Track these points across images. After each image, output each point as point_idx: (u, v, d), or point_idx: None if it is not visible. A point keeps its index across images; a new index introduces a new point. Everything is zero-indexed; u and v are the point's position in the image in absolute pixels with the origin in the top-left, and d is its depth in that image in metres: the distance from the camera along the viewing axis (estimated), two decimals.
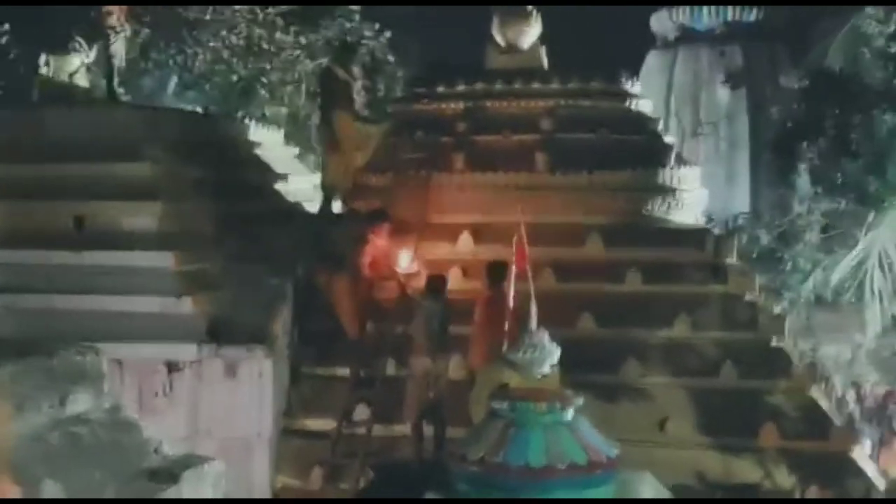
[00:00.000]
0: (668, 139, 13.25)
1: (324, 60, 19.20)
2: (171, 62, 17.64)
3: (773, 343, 10.60)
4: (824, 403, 10.70)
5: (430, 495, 6.04)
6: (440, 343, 9.52)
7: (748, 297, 10.93)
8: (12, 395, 4.56)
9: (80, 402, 5.31)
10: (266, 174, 12.18)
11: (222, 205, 10.76)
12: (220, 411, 9.48)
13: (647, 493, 6.32)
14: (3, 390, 4.62)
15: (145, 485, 5.32)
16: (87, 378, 5.41)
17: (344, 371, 10.24)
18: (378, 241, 10.42)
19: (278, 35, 18.58)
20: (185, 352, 9.46)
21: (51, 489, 4.64)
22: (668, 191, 11.63)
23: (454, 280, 10.70)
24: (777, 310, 12.38)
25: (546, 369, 7.76)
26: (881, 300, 14.87)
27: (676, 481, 8.20)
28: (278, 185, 12.29)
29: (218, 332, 9.60)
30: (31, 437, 4.73)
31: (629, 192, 11.42)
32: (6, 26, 16.65)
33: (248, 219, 10.93)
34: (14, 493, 1.67)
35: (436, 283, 9.80)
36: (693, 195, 12.14)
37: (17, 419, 4.51)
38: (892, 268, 14.88)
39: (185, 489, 5.43)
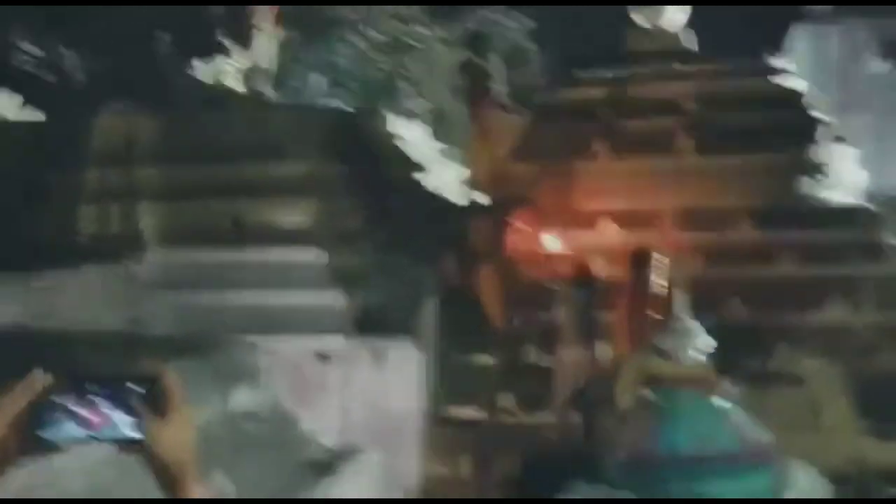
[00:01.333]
0: (821, 115, 12.80)
1: (465, 53, 19.36)
2: (316, 62, 18.08)
3: None
4: None
5: (577, 485, 6.05)
6: (588, 331, 9.50)
7: None
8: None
9: (243, 398, 5.53)
10: (411, 168, 12.36)
11: (369, 200, 10.99)
12: (369, 401, 9.69)
13: (803, 482, 6.16)
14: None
15: (306, 476, 5.50)
16: (247, 374, 5.64)
17: (489, 360, 10.32)
18: (521, 226, 10.47)
19: (420, 29, 18.78)
20: (335, 343, 9.70)
21: (220, 482, 4.85)
22: (822, 169, 11.26)
23: (599, 267, 10.64)
24: None
25: (695, 356, 7.67)
26: None
27: (834, 468, 7.96)
28: (423, 179, 12.45)
29: (367, 324, 9.81)
30: (201, 433, 4.95)
31: (781, 172, 11.10)
32: (165, 35, 17.33)
33: (395, 213, 11.12)
34: (199, 492, 1.75)
35: (582, 271, 9.77)
36: (849, 172, 11.71)
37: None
38: None
39: (344, 480, 5.59)
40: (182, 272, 10.10)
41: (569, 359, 9.43)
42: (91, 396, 1.86)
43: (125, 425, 1.87)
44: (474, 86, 12.30)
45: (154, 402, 1.88)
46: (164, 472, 1.87)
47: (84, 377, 1.88)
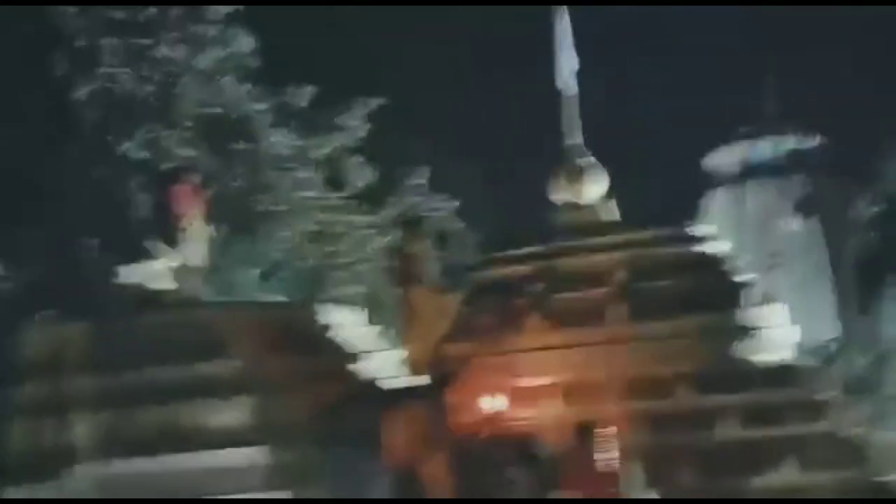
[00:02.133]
0: (746, 277, 13.09)
1: (394, 236, 19.64)
2: (248, 256, 18.12)
3: (883, 478, 10.14)
4: None
5: None
6: None
7: (852, 431, 10.54)
8: None
9: None
10: (349, 356, 12.24)
11: (309, 392, 10.80)
12: None
13: None
14: None
15: None
16: None
17: None
18: (458, 398, 10.40)
19: (348, 217, 19.04)
20: None
21: None
22: (753, 329, 11.42)
23: (544, 444, 10.53)
24: (882, 441, 11.89)
25: None
26: None
27: None
28: (362, 366, 12.32)
29: None
30: None
31: (714, 336, 11.24)
32: (92, 241, 17.33)
33: (336, 403, 10.93)
34: None
35: (527, 446, 9.64)
36: (780, 330, 11.90)
37: None
38: None
39: None
40: (118, 484, 9.73)
41: None
42: None
43: None
44: (405, 271, 12.37)
45: None
46: None
47: None
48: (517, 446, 9.76)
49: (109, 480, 9.81)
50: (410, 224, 13.58)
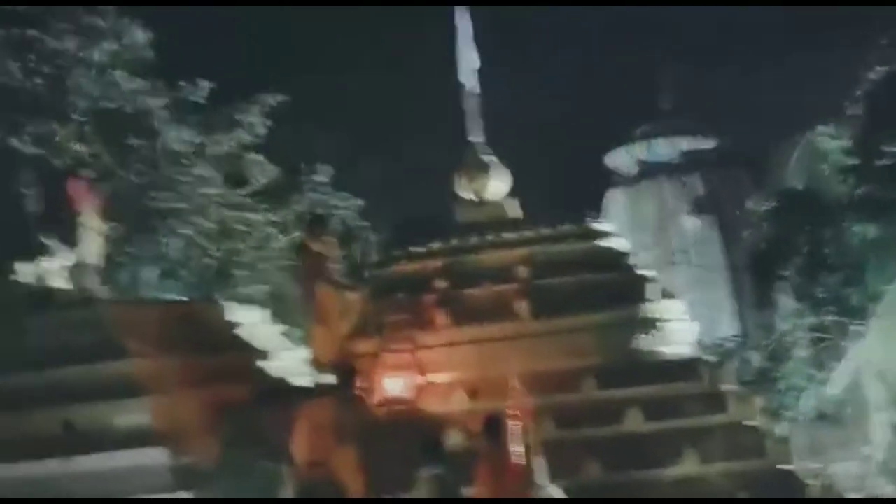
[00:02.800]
0: (646, 272, 13.32)
1: (297, 234, 19.45)
2: (146, 254, 17.75)
3: (783, 467, 10.42)
4: None
5: None
6: None
7: (751, 422, 10.80)
8: None
9: None
10: (252, 355, 12.07)
11: (212, 391, 10.63)
12: None
13: None
14: None
15: None
16: None
17: None
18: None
19: (249, 215, 18.79)
20: None
21: None
22: (654, 324, 11.61)
23: (453, 440, 10.55)
24: (780, 432, 12.23)
25: None
26: (882, 410, 14.76)
27: None
28: (266, 365, 12.17)
29: None
30: None
31: (616, 331, 11.39)
32: None
33: (239, 403, 10.76)
34: None
35: (432, 442, 9.60)
36: (680, 325, 12.12)
37: None
38: (885, 376, 14.82)
39: None
40: (14, 488, 9.41)
41: None
42: None
43: None
44: (308, 268, 12.24)
45: None
46: None
47: None
48: (424, 440, 9.71)
49: (6, 483, 9.48)
50: (314, 221, 13.41)
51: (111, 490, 9.23)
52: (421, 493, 9.33)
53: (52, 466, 9.56)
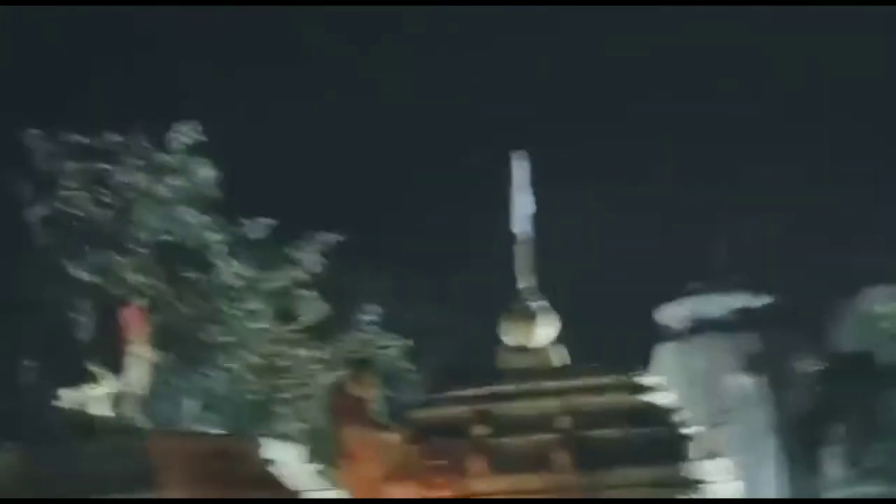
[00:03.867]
0: (691, 430, 13.07)
1: (342, 373, 19.46)
2: (190, 386, 17.87)
3: None
4: None
5: None
6: None
7: None
8: None
9: None
10: (282, 492, 11.94)
11: None
12: None
13: None
14: None
15: None
16: None
17: None
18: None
19: (296, 351, 18.89)
20: None
21: None
22: (696, 485, 11.34)
23: None
24: None
25: None
26: None
27: None
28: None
29: None
30: None
31: (656, 489, 11.14)
32: (30, 364, 17.02)
33: None
34: None
35: None
36: (724, 487, 11.82)
37: None
38: None
39: None
40: None
41: None
42: None
43: None
44: (345, 409, 12.17)
45: None
46: None
47: None
48: None
49: None
50: (360, 364, 13.37)
51: None
52: None
53: None
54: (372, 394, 12.24)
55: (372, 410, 12.20)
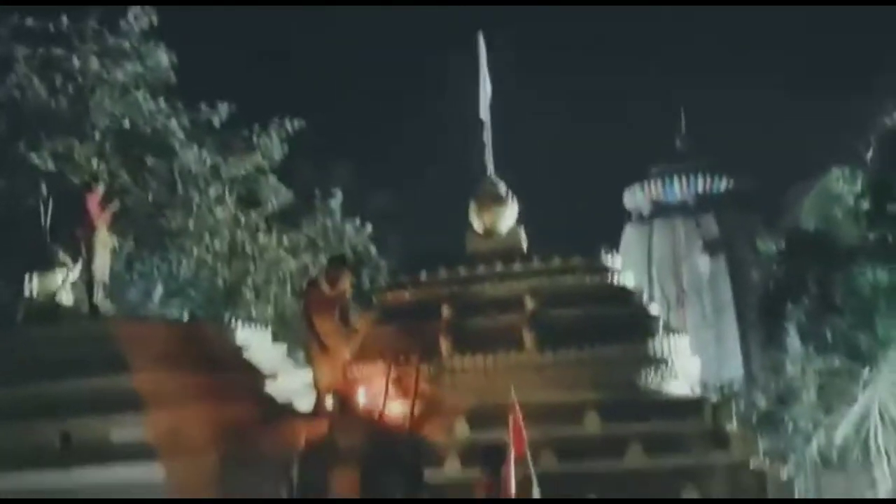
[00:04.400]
0: (654, 310, 13.26)
1: (306, 259, 19.49)
2: (155, 272, 17.80)
3: None
4: None
5: None
6: None
7: (753, 463, 10.69)
8: None
9: None
10: (255, 375, 12.06)
11: (213, 410, 10.61)
12: None
13: None
14: None
15: None
16: None
17: None
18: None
19: (261, 237, 18.84)
20: None
21: None
22: (659, 361, 11.54)
23: (452, 468, 10.50)
24: (784, 475, 12.09)
25: None
26: (888, 457, 14.59)
27: None
28: (268, 385, 12.15)
29: None
30: None
31: (621, 366, 11.32)
32: None
33: (240, 422, 10.75)
34: None
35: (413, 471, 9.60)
36: (685, 364, 12.05)
37: None
38: (895, 423, 14.67)
39: None
40: (8, 496, 9.37)
41: None
42: None
43: None
44: (316, 305, 12.10)
45: None
46: None
47: None
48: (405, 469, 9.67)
49: (5, 492, 9.46)
50: (333, 262, 13.06)
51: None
52: None
53: (49, 477, 9.52)
54: (345, 291, 12.17)
55: (345, 307, 12.14)
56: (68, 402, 9.80)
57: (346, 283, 12.08)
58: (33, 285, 11.73)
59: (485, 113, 13.19)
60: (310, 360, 12.26)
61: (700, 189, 26.26)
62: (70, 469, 9.48)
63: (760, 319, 17.86)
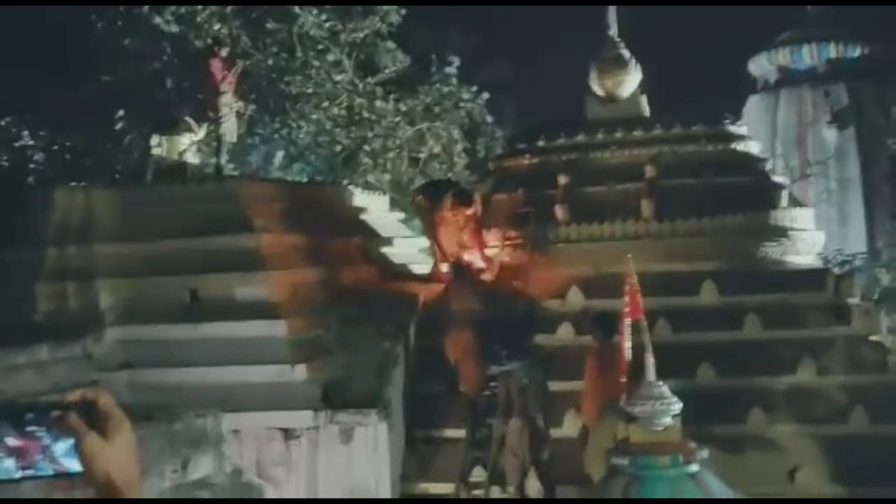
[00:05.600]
0: (778, 180, 12.93)
1: (423, 126, 19.48)
2: (276, 136, 18.07)
3: None
4: None
5: None
6: (529, 402, 9.38)
7: (874, 338, 10.50)
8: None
9: (203, 467, 5.34)
10: (373, 239, 12.27)
11: (332, 271, 10.88)
12: (337, 477, 9.45)
13: None
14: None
15: None
16: (208, 441, 5.45)
17: (459, 432, 10.13)
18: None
19: (378, 103, 18.87)
20: (301, 419, 9.48)
21: None
22: (781, 232, 11.32)
23: (565, 335, 10.59)
24: None
25: (667, 421, 7.55)
26: None
27: None
28: (386, 249, 12.37)
29: (332, 398, 9.60)
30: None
31: (741, 236, 11.15)
32: (120, 112, 17.30)
33: (358, 283, 11.00)
34: None
35: (515, 337, 9.70)
36: (808, 236, 11.79)
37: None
38: None
39: None
40: (141, 349, 9.87)
41: (516, 430, 9.32)
42: (29, 427, 1.85)
43: (63, 454, 1.85)
44: (425, 217, 11.98)
45: (94, 424, 1.85)
46: (107, 489, 1.85)
47: (22, 407, 1.88)
48: (506, 336, 9.75)
49: (132, 345, 9.96)
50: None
51: (229, 357, 9.56)
52: (503, 382, 9.49)
53: (180, 331, 9.95)
54: (474, 214, 11.78)
55: (472, 232, 11.78)
56: (195, 260, 10.16)
57: (470, 214, 11.67)
58: (161, 146, 12.07)
59: None
60: (427, 232, 12.31)
61: (831, 56, 25.14)
62: (198, 324, 9.89)
63: (889, 192, 17.24)
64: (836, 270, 13.77)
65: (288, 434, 9.43)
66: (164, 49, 17.59)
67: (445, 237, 11.61)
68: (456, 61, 20.54)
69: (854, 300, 10.82)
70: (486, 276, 11.29)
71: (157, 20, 17.36)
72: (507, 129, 21.17)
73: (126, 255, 10.42)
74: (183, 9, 17.53)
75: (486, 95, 20.71)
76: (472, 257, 11.50)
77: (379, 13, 19.33)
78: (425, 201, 11.99)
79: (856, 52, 25.02)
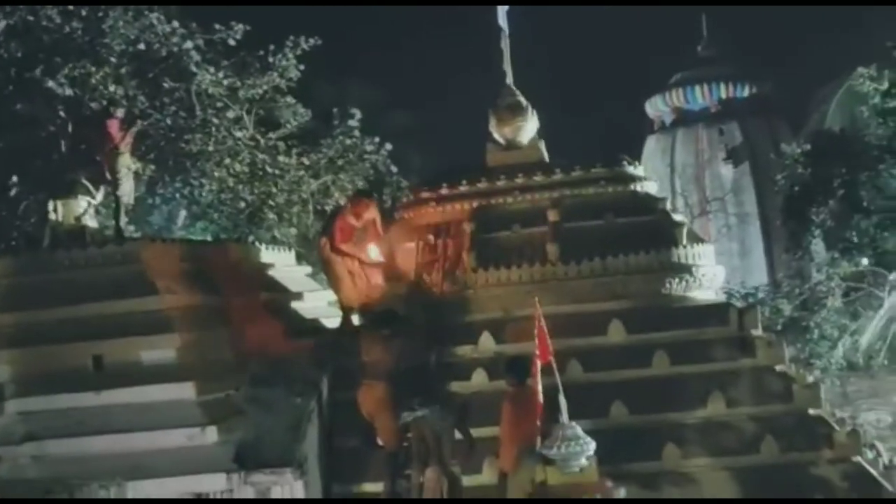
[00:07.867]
0: (678, 217, 13.19)
1: (327, 178, 19.48)
2: (178, 195, 17.87)
3: (811, 412, 10.36)
4: (872, 471, 10.37)
5: None
6: (444, 450, 9.36)
7: (779, 368, 10.73)
8: None
9: None
10: (281, 294, 12.16)
11: (240, 329, 10.73)
12: None
13: None
14: None
15: None
16: None
17: (377, 486, 10.02)
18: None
19: (281, 158, 18.82)
20: (215, 482, 9.28)
21: None
22: (684, 269, 11.52)
23: (479, 381, 10.59)
24: (810, 379, 12.12)
25: (583, 462, 7.59)
26: None
27: None
28: (295, 304, 12.25)
29: (246, 459, 9.43)
30: None
31: (645, 274, 11.31)
32: (14, 178, 16.92)
33: (267, 340, 10.86)
34: None
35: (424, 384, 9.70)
36: (709, 272, 12.02)
37: None
38: None
39: None
40: (45, 420, 9.57)
41: (432, 479, 9.26)
42: None
43: None
44: (345, 234, 12.06)
45: None
46: None
47: None
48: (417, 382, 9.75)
49: (35, 416, 9.65)
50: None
51: (135, 424, 9.35)
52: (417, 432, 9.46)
53: (83, 399, 9.69)
54: (372, 220, 12.10)
55: (375, 233, 12.05)
56: (98, 325, 9.92)
57: (372, 213, 12.07)
58: (58, 211, 11.80)
59: (503, 19, 12.96)
60: (332, 282, 12.28)
61: (723, 96, 25.93)
62: (102, 391, 9.64)
63: (785, 224, 17.72)
64: (739, 303, 14.08)
65: (201, 499, 9.21)
66: (57, 112, 17.27)
67: (350, 265, 11.73)
68: (357, 114, 20.63)
69: (757, 332, 11.05)
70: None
71: (50, 84, 17.07)
72: (412, 179, 21.29)
73: (24, 323, 10.14)
74: (76, 71, 17.28)
75: (389, 146, 20.81)
76: (374, 253, 11.73)
77: (277, 69, 19.34)
78: (324, 228, 12.26)
79: (745, 91, 25.85)
